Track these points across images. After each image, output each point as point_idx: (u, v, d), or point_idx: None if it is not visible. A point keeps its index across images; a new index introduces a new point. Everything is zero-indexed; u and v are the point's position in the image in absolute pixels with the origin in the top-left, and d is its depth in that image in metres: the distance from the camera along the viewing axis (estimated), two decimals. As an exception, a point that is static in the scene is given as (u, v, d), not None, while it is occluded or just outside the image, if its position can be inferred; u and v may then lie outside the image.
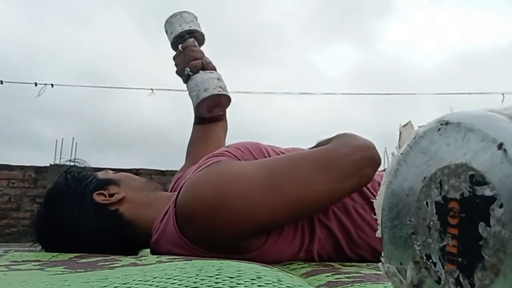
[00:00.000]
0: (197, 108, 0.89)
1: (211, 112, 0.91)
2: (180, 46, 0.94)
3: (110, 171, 0.89)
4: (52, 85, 6.36)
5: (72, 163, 0.92)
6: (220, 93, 0.86)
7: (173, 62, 1.01)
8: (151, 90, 6.45)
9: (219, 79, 0.88)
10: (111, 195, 0.82)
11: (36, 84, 6.24)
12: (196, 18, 0.94)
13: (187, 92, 0.92)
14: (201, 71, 0.89)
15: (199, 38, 0.95)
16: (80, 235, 0.79)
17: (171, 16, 0.93)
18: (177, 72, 0.95)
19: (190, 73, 0.89)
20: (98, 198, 0.81)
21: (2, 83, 6.25)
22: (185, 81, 0.93)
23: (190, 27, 0.92)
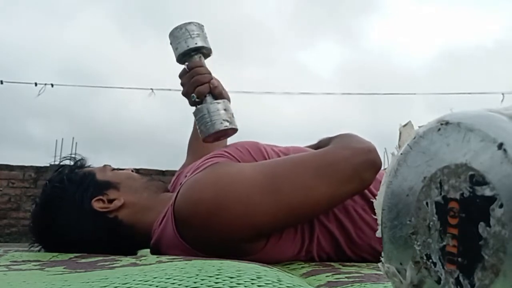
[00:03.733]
0: (203, 140, 0.87)
1: (217, 140, 0.90)
2: (186, 65, 0.90)
3: (108, 168, 0.87)
4: (52, 85, 6.37)
5: (69, 159, 0.89)
6: (226, 128, 0.85)
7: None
8: (151, 90, 6.45)
9: (226, 109, 0.86)
10: (110, 201, 0.81)
11: (36, 84, 6.24)
12: (202, 29, 0.90)
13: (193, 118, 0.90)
14: (207, 98, 0.87)
15: (206, 52, 0.91)
16: (79, 240, 0.78)
17: (175, 29, 0.89)
18: (183, 94, 0.93)
19: (197, 100, 0.87)
20: (97, 205, 0.80)
21: (2, 83, 6.25)
22: (191, 105, 0.90)
23: (196, 43, 0.88)
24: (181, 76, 0.92)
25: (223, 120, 0.85)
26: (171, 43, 0.90)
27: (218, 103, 0.86)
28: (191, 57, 0.89)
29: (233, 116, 0.87)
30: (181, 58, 0.90)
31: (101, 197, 0.81)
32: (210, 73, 0.89)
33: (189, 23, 0.89)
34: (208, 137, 0.85)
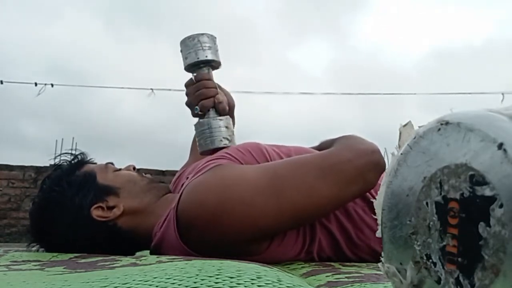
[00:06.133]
0: (200, 153, 0.88)
1: (215, 153, 0.91)
2: (193, 76, 0.90)
3: (110, 168, 0.86)
4: (52, 85, 6.37)
5: (71, 156, 0.87)
6: (225, 146, 0.85)
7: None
8: (151, 90, 6.45)
9: (227, 127, 0.86)
10: (109, 207, 0.80)
11: (36, 84, 6.24)
12: (214, 41, 0.90)
13: (194, 131, 0.91)
14: (210, 113, 0.87)
15: (215, 65, 0.91)
16: (77, 244, 0.77)
17: (188, 38, 0.88)
18: (186, 104, 0.92)
19: (199, 113, 0.87)
20: (96, 214, 0.79)
21: (2, 83, 6.25)
22: (194, 116, 0.91)
23: (206, 56, 0.87)
24: (187, 85, 0.91)
25: (223, 137, 0.85)
26: (181, 51, 0.90)
27: (221, 119, 0.87)
28: (200, 69, 0.89)
29: (233, 134, 0.88)
30: (189, 68, 0.90)
31: (100, 204, 0.80)
32: (216, 87, 0.88)
33: (202, 34, 0.89)
34: (205, 151, 0.86)
